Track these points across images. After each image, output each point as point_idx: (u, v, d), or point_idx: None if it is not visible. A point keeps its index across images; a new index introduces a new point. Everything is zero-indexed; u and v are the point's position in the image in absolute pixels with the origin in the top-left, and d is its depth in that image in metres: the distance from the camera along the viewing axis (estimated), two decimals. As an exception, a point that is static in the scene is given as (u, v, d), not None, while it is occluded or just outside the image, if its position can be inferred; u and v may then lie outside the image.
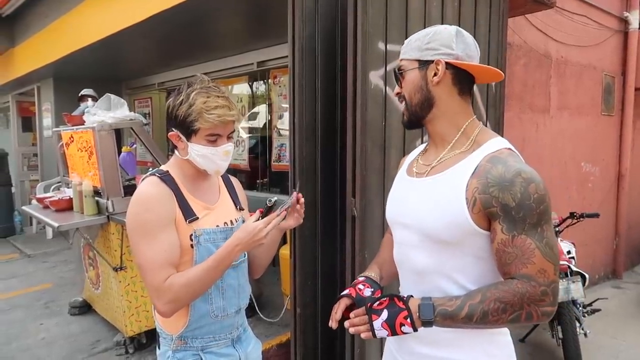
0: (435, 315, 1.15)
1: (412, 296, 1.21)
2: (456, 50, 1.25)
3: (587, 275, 3.66)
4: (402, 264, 1.39)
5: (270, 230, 1.43)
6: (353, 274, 2.44)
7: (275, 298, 4.05)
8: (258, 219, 1.43)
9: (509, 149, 1.23)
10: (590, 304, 3.96)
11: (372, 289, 1.41)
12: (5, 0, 6.37)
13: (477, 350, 1.25)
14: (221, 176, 1.69)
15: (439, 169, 1.28)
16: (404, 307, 1.17)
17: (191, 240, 1.47)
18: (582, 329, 3.56)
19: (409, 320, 1.16)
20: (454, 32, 1.27)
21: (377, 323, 1.18)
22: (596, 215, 3.99)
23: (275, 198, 1.51)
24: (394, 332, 1.17)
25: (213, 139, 1.47)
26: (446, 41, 1.26)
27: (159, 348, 1.60)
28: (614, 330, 4.35)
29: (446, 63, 1.25)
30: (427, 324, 1.15)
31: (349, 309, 1.39)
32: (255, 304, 3.54)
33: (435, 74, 1.26)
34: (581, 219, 3.96)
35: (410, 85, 1.29)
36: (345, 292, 1.39)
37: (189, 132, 1.47)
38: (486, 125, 2.91)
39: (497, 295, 1.12)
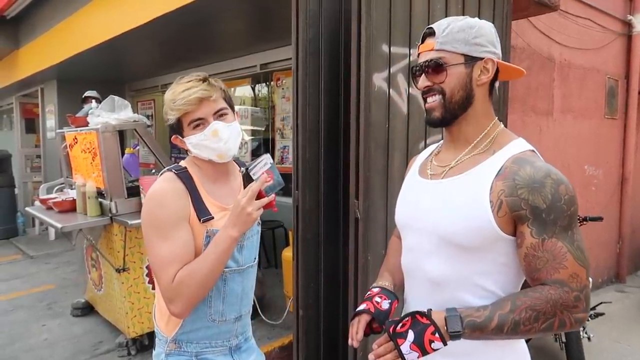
0: (463, 327, 1.08)
1: (431, 310, 1.14)
2: (498, 50, 1.22)
3: (590, 279, 3.64)
4: (413, 272, 1.31)
5: (250, 198, 1.33)
6: (356, 276, 2.43)
7: (277, 300, 4.04)
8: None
9: (532, 150, 1.19)
10: (593, 308, 3.94)
11: (390, 300, 1.34)
12: (10, 3, 6.40)
13: (490, 358, 1.21)
14: (243, 175, 1.50)
15: (457, 171, 1.22)
16: (428, 322, 1.10)
17: (204, 241, 1.41)
18: (586, 333, 3.55)
19: (437, 335, 1.08)
20: (494, 30, 1.22)
21: (405, 347, 1.10)
22: (600, 219, 3.97)
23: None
24: (424, 352, 1.09)
25: (196, 125, 1.41)
26: (491, 38, 1.21)
27: (154, 349, 1.56)
28: (618, 334, 4.33)
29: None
30: (455, 336, 1.08)
31: (369, 325, 1.32)
32: (258, 306, 3.53)
33: (481, 73, 1.20)
34: (584, 222, 3.94)
35: (455, 80, 1.19)
36: (363, 306, 1.30)
37: (176, 128, 1.44)
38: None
39: (529, 304, 1.06)
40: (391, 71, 2.44)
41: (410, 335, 1.10)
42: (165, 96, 1.43)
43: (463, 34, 1.19)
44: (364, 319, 1.29)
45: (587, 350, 3.57)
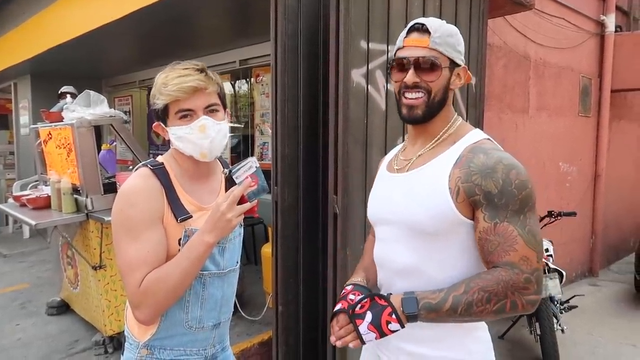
0: (419, 308, 1.12)
1: (391, 293, 1.19)
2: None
3: (564, 273, 3.73)
4: (384, 261, 1.35)
5: (230, 204, 1.25)
6: (335, 272, 2.45)
7: (257, 296, 4.03)
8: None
9: (489, 139, 1.26)
10: (567, 301, 4.04)
11: (363, 295, 1.32)
12: (-19, -5, 6.23)
13: (457, 347, 1.25)
14: (226, 178, 1.40)
15: (419, 162, 1.28)
16: (386, 304, 1.15)
17: (179, 243, 1.32)
18: (560, 325, 3.63)
19: (394, 316, 1.12)
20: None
21: (363, 327, 1.14)
22: (573, 214, 4.07)
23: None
24: (381, 333, 1.13)
25: (183, 115, 1.31)
26: (462, 46, 1.28)
27: (122, 354, 1.46)
28: (591, 327, 4.44)
29: None
30: (412, 318, 1.12)
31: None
32: (237, 303, 3.52)
33: (456, 78, 1.28)
34: (559, 217, 4.03)
35: (442, 81, 1.24)
36: (339, 307, 1.30)
37: (161, 115, 1.35)
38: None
39: (480, 285, 1.10)
40: (369, 67, 2.46)
41: (368, 316, 1.15)
42: (157, 79, 1.33)
43: (452, 39, 1.25)
44: (342, 318, 1.26)
45: (560, 342, 3.66)
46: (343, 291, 1.39)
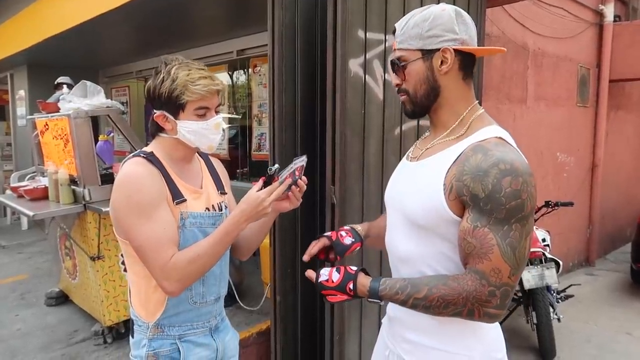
0: (380, 300, 1.23)
1: (363, 269, 1.30)
2: (460, 34, 1.19)
3: (561, 262, 3.75)
4: (389, 247, 1.39)
5: (273, 200, 1.38)
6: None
7: (255, 286, 4.05)
8: (260, 189, 1.38)
9: (500, 137, 1.17)
10: (563, 290, 4.06)
11: (353, 239, 1.47)
12: (-24, -16, 6.17)
13: (458, 341, 1.24)
14: (203, 159, 1.65)
15: (428, 154, 1.27)
16: (354, 273, 1.26)
17: (179, 223, 1.42)
18: (556, 314, 3.66)
19: (351, 287, 1.24)
20: (454, 13, 1.20)
21: (325, 271, 1.29)
22: (570, 204, 4.08)
23: (277, 166, 1.44)
24: (340, 288, 1.25)
25: (202, 113, 1.43)
26: (448, 25, 1.18)
27: (132, 337, 1.55)
28: (587, 316, 4.48)
29: (454, 50, 1.19)
30: (374, 295, 1.23)
31: (325, 251, 1.48)
32: (236, 293, 3.53)
33: (442, 63, 1.20)
34: (556, 207, 4.05)
35: (415, 77, 1.23)
36: (327, 233, 1.46)
37: (176, 108, 1.42)
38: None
39: (441, 293, 1.12)
40: (367, 57, 2.45)
41: (335, 275, 1.28)
42: (178, 73, 1.40)
43: (417, 29, 1.20)
44: (322, 241, 1.45)
45: (557, 330, 3.69)
46: (339, 228, 1.54)
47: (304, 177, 1.49)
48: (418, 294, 1.14)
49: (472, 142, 1.17)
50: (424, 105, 1.26)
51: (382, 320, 1.51)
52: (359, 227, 1.53)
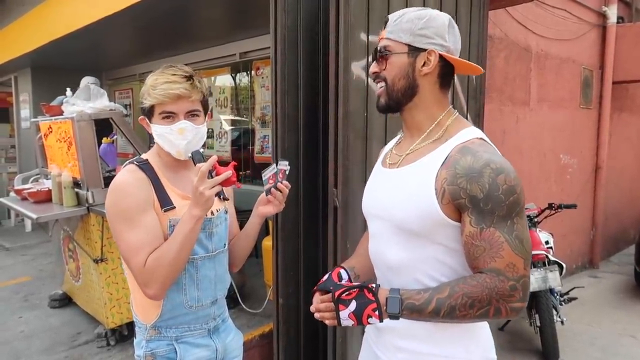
0: (402, 308, 1.13)
1: (379, 286, 1.19)
2: (448, 42, 1.22)
3: (564, 265, 3.74)
4: (376, 258, 1.36)
5: (203, 181, 1.33)
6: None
7: (257, 289, 4.05)
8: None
9: (481, 138, 1.20)
10: (567, 293, 4.05)
11: (354, 286, 1.33)
12: (-20, -12, 6.20)
13: (454, 345, 1.23)
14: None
15: (410, 160, 1.26)
16: (373, 299, 1.14)
17: (168, 230, 1.44)
18: (559, 317, 3.64)
19: (376, 312, 1.14)
20: (447, 21, 1.23)
21: (344, 313, 1.15)
22: (574, 206, 4.07)
23: (273, 165, 1.50)
24: (359, 323, 1.16)
25: (166, 116, 1.44)
26: (440, 31, 1.21)
27: (135, 338, 1.59)
28: (590, 318, 4.46)
29: (439, 55, 1.20)
30: (393, 317, 1.14)
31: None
32: (238, 295, 3.54)
33: (424, 64, 1.21)
34: (559, 209, 4.04)
35: (396, 69, 1.23)
36: (326, 278, 1.36)
37: (146, 113, 1.49)
38: (467, 118, 2.95)
39: (465, 290, 1.09)
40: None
41: (353, 305, 1.15)
42: (147, 79, 1.46)
43: (410, 24, 1.21)
44: (327, 297, 1.26)
45: (560, 333, 3.68)
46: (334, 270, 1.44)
47: (285, 182, 1.54)
48: (441, 294, 1.11)
49: (455, 144, 1.18)
50: (399, 101, 1.26)
51: (366, 330, 1.46)
52: (347, 268, 1.46)
